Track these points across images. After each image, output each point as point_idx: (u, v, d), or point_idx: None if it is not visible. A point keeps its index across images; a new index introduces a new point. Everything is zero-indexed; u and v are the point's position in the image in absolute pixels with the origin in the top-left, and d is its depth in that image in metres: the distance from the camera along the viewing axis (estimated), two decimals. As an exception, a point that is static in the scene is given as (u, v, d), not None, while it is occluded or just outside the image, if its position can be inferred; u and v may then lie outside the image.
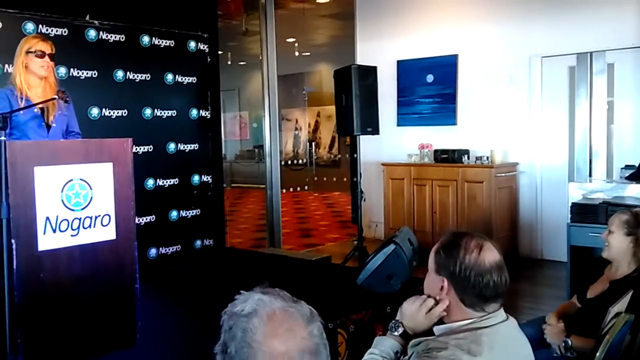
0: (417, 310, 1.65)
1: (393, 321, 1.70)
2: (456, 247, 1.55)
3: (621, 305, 2.22)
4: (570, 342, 2.44)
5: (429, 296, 1.64)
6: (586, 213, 4.01)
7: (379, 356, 1.65)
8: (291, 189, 12.59)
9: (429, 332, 1.61)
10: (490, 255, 1.54)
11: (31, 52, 3.13)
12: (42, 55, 3.13)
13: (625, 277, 2.52)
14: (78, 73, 4.27)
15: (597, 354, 1.76)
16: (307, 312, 1.10)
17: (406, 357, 1.60)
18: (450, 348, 1.46)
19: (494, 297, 1.53)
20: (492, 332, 1.50)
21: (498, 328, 1.52)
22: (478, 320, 1.53)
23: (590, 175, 5.91)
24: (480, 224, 6.04)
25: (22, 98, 3.10)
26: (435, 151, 6.74)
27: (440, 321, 1.60)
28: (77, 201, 2.77)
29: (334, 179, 12.92)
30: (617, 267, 2.59)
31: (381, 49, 7.36)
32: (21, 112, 3.05)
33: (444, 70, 6.95)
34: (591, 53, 5.92)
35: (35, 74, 3.15)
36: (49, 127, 3.18)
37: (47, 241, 2.67)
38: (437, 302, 1.61)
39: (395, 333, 1.68)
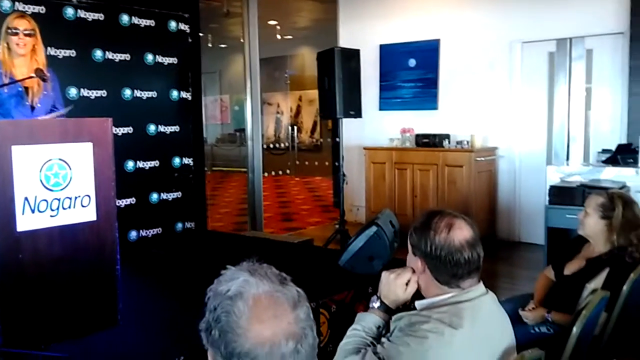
0: (393, 280, 1.68)
1: (373, 296, 1.74)
2: (426, 228, 1.58)
3: (597, 282, 2.27)
4: (550, 318, 2.50)
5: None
6: (564, 195, 4.08)
7: (361, 331, 1.67)
8: (273, 173, 12.57)
9: (411, 307, 1.64)
10: (460, 233, 1.55)
11: (9, 31, 3.08)
12: (15, 32, 3.08)
13: (600, 255, 2.57)
14: (56, 52, 4.19)
15: (574, 329, 1.80)
16: (295, 296, 1.08)
17: (389, 333, 1.62)
18: (432, 321, 1.48)
19: (467, 274, 1.56)
20: (473, 306, 1.53)
21: (478, 301, 1.55)
22: (459, 294, 1.55)
23: (567, 159, 6.00)
24: (460, 208, 6.09)
25: (7, 77, 3.06)
26: (417, 135, 6.78)
27: (422, 296, 1.63)
28: (57, 181, 2.73)
29: (316, 164, 12.92)
30: (593, 245, 2.64)
31: (364, 33, 7.34)
32: (5, 90, 3.00)
33: (426, 54, 6.96)
34: (570, 39, 5.97)
35: (15, 53, 3.11)
36: (33, 108, 3.13)
37: (26, 222, 2.63)
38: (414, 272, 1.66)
39: (374, 305, 1.70)
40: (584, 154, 6.02)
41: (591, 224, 2.61)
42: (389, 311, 1.70)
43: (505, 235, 6.49)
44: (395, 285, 1.68)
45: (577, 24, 5.90)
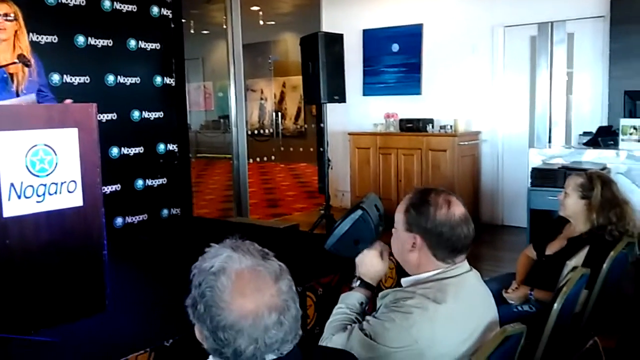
0: (366, 255, 1.79)
1: (354, 277, 1.79)
2: (426, 204, 1.60)
3: (577, 259, 2.33)
4: (533, 296, 2.56)
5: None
6: (545, 177, 4.15)
7: (345, 308, 1.72)
8: (257, 160, 12.54)
9: (397, 285, 1.68)
10: (458, 209, 1.61)
11: None
12: None
13: (581, 235, 2.63)
14: (37, 38, 4.12)
15: (555, 305, 1.86)
16: (276, 269, 1.12)
17: (375, 311, 1.67)
18: (416, 297, 1.52)
19: (465, 248, 1.61)
20: (457, 282, 1.57)
21: (463, 278, 1.60)
22: (444, 271, 1.59)
23: (549, 142, 6.08)
24: (444, 192, 6.16)
25: None
26: (401, 120, 6.82)
27: (407, 274, 1.67)
28: (42, 167, 2.71)
29: (301, 150, 12.91)
30: (574, 225, 2.70)
31: (347, 18, 7.33)
32: None
33: (409, 39, 6.99)
34: (552, 23, 6.03)
35: None
36: (18, 94, 3.10)
37: (11, 208, 2.61)
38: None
39: (355, 285, 1.76)
40: (566, 136, 6.11)
41: (571, 204, 2.66)
42: (370, 287, 1.76)
43: (489, 219, 6.57)
44: (368, 258, 1.74)
45: (558, 8, 5.95)
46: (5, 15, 3.04)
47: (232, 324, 1.06)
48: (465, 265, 1.64)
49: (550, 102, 6.17)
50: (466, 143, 6.42)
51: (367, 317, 1.60)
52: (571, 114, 6.15)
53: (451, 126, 6.45)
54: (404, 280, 1.66)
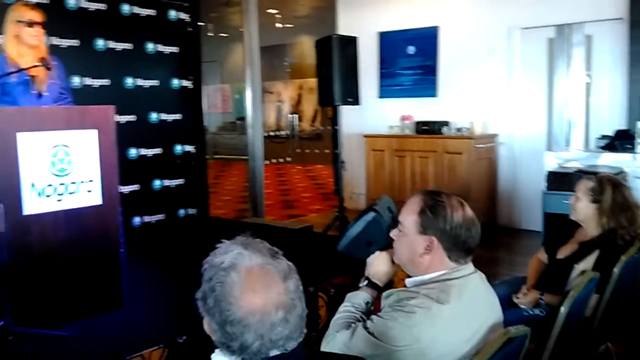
0: (376, 257, 1.81)
1: (362, 277, 1.83)
2: (441, 206, 1.61)
3: (586, 263, 2.32)
4: (544, 300, 2.55)
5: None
6: (561, 181, 4.12)
7: (350, 307, 1.75)
8: (274, 161, 12.62)
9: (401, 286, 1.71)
10: (469, 210, 1.64)
11: (22, 21, 3.11)
12: (32, 24, 3.12)
13: (592, 239, 2.62)
14: (59, 42, 4.23)
15: (562, 309, 1.85)
16: (285, 268, 1.15)
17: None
18: (420, 297, 1.54)
19: (474, 249, 1.63)
20: (461, 283, 1.59)
21: (467, 279, 1.61)
22: (449, 272, 1.61)
23: (567, 145, 6.03)
24: (460, 195, 6.05)
25: (14, 67, 3.09)
26: (417, 123, 6.81)
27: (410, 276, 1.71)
28: (62, 167, 2.80)
29: (317, 152, 12.96)
30: (585, 229, 2.69)
31: (363, 21, 7.36)
32: (12, 78, 3.05)
33: (425, 42, 6.99)
34: (570, 25, 5.99)
35: (26, 44, 3.15)
36: (40, 95, 3.19)
37: (32, 206, 2.70)
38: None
39: (362, 284, 1.79)
40: (585, 140, 6.05)
41: (582, 208, 2.65)
42: (377, 288, 1.79)
43: (506, 222, 6.53)
44: (378, 260, 1.77)
45: (576, 10, 5.90)
46: (39, 23, 3.14)
47: (240, 319, 1.09)
48: (470, 267, 1.66)
49: (568, 104, 6.12)
50: (483, 146, 6.39)
51: (372, 317, 1.62)
52: (590, 116, 6.09)
53: (467, 129, 6.44)
54: (408, 281, 1.68)
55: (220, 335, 1.13)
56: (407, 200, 1.72)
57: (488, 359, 1.42)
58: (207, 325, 1.16)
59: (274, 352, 1.12)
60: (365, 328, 1.57)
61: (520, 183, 6.51)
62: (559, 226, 3.31)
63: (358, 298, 1.79)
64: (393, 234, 1.73)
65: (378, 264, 1.81)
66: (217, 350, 1.17)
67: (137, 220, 4.79)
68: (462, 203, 1.65)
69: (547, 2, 6.07)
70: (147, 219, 4.86)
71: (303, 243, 4.65)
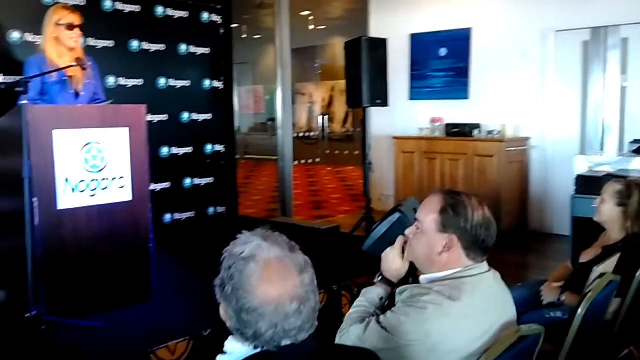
0: (390, 253, 1.83)
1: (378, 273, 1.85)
2: (462, 205, 1.63)
3: (606, 266, 2.30)
4: (564, 298, 2.54)
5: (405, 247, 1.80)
6: (589, 185, 4.06)
7: (365, 302, 1.79)
8: (305, 162, 12.69)
9: (415, 282, 1.73)
10: (487, 210, 1.66)
11: (61, 24, 3.22)
12: (72, 27, 3.23)
13: (616, 243, 2.60)
14: (95, 43, 4.36)
15: (579, 310, 1.84)
16: (301, 262, 1.19)
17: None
18: (432, 293, 1.57)
19: (491, 247, 1.66)
20: (474, 281, 1.61)
21: (481, 278, 1.63)
22: (462, 270, 1.63)
23: (602, 149, 5.92)
24: (490, 198, 6.08)
25: (53, 67, 3.19)
26: (447, 125, 6.78)
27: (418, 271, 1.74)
28: (95, 164, 2.90)
29: (346, 153, 12.97)
30: (609, 233, 2.66)
31: (395, 23, 7.36)
32: (51, 78, 3.17)
33: (458, 44, 6.95)
34: (605, 27, 5.88)
35: (65, 45, 3.25)
36: (77, 95, 3.31)
37: (66, 200, 2.81)
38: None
39: (376, 280, 1.82)
40: (619, 144, 5.93)
41: (607, 211, 2.63)
42: (390, 284, 1.81)
43: (537, 227, 6.44)
44: (392, 256, 1.79)
45: (612, 13, 5.80)
46: (78, 26, 3.25)
47: (256, 307, 1.14)
48: (484, 265, 1.67)
49: (603, 107, 6.01)
50: (514, 149, 6.32)
51: (387, 312, 1.65)
52: (625, 121, 5.96)
53: (499, 132, 6.38)
54: (422, 278, 1.71)
55: (236, 322, 1.17)
56: (426, 199, 1.74)
57: (498, 356, 1.43)
58: (223, 312, 1.21)
59: (286, 342, 1.16)
60: (378, 322, 1.60)
61: (552, 187, 6.41)
62: (586, 230, 3.27)
63: (372, 294, 1.82)
64: (409, 231, 1.75)
65: (389, 260, 1.83)
66: (230, 337, 1.22)
67: (167, 217, 4.90)
68: (481, 203, 1.67)
69: (582, 4, 5.98)
70: (177, 216, 4.97)
71: (329, 243, 4.69)
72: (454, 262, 1.64)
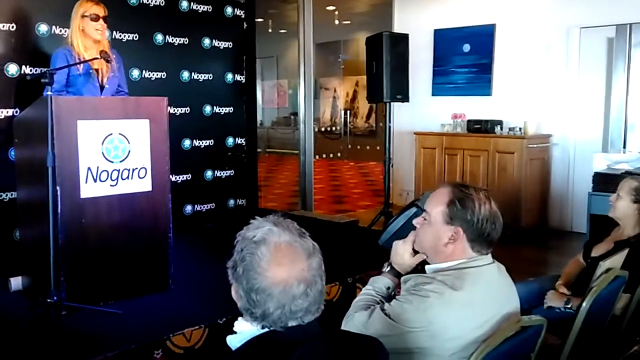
0: (401, 246, 1.85)
1: (385, 262, 1.89)
2: (469, 199, 1.67)
3: (613, 261, 2.30)
4: (570, 304, 2.54)
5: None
6: (607, 182, 4.03)
7: (372, 291, 1.83)
8: (325, 156, 12.71)
9: (420, 272, 1.77)
10: (494, 204, 1.69)
11: (86, 15, 3.29)
12: (96, 18, 3.30)
13: (628, 238, 2.59)
14: (120, 36, 4.45)
15: (584, 304, 1.86)
16: (310, 247, 1.25)
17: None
18: (435, 282, 1.61)
19: (496, 241, 1.69)
20: (477, 272, 1.65)
21: (483, 269, 1.67)
22: (466, 261, 1.67)
23: (624, 147, 5.84)
24: (510, 195, 6.06)
25: (79, 59, 3.27)
26: (469, 121, 6.76)
27: (427, 263, 1.77)
28: (116, 154, 2.99)
29: (370, 148, 12.96)
30: (622, 228, 2.66)
31: (418, 18, 7.35)
32: (77, 70, 3.26)
33: (481, 40, 6.91)
34: (631, 25, 5.79)
35: (90, 37, 3.32)
36: (102, 87, 3.39)
37: (88, 190, 2.90)
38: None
39: (385, 270, 1.86)
40: (642, 141, 5.85)
41: (622, 207, 2.63)
42: (398, 275, 1.85)
43: (557, 224, 6.40)
44: (402, 250, 1.82)
45: (637, 10, 5.71)
46: (104, 18, 3.34)
47: (265, 288, 1.20)
48: (488, 257, 1.70)
49: (627, 105, 5.92)
50: (535, 146, 6.28)
51: (392, 300, 1.70)
52: (649, 119, 5.88)
53: (520, 128, 6.33)
54: (427, 267, 1.75)
55: (245, 302, 1.23)
56: (435, 191, 1.77)
57: (498, 345, 1.46)
58: (234, 292, 1.27)
59: (292, 323, 1.22)
60: (383, 310, 1.65)
61: (573, 185, 6.35)
62: (603, 228, 3.25)
63: (380, 283, 1.86)
64: (417, 221, 1.79)
65: (399, 253, 1.86)
66: (240, 318, 1.29)
67: (188, 208, 4.99)
68: (488, 197, 1.69)
69: (607, 1, 5.90)
70: (198, 207, 5.05)
71: (347, 236, 4.74)
72: (458, 254, 1.68)
